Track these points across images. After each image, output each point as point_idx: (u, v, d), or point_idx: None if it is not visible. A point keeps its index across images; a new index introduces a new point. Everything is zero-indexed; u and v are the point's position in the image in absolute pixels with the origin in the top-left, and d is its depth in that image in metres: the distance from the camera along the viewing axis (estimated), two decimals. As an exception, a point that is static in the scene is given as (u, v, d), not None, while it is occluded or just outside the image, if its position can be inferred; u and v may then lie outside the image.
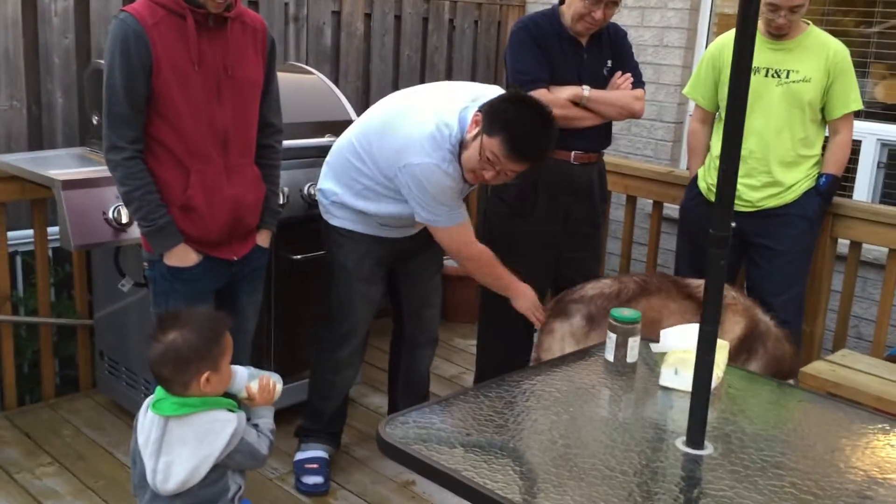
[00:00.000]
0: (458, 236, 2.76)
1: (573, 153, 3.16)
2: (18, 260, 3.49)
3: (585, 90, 3.10)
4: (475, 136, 2.57)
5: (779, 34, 3.17)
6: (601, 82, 3.17)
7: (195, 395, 1.98)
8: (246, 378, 2.12)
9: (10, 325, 3.33)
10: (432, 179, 2.61)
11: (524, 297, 2.92)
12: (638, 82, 3.22)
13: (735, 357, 2.63)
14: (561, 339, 2.78)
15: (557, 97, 3.08)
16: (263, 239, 2.65)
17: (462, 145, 2.62)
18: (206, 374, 1.97)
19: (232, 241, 2.54)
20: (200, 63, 2.36)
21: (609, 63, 3.19)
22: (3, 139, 3.43)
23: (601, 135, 3.25)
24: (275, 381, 2.17)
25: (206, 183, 2.43)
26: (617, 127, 5.05)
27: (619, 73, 3.19)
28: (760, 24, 3.24)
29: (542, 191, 3.17)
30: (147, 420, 2.02)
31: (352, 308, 2.94)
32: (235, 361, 2.72)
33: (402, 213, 2.77)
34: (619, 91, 3.17)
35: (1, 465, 3.01)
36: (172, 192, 2.41)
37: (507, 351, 3.36)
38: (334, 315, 2.97)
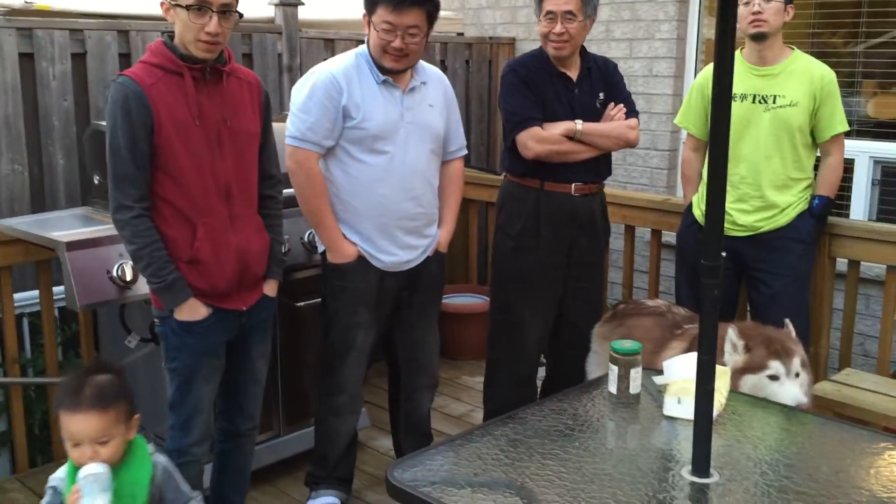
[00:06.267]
0: (293, 157, 2.83)
1: (573, 185, 3.22)
2: (25, 322, 3.52)
3: (578, 124, 3.15)
4: (368, 28, 2.81)
5: (759, 32, 3.17)
6: (594, 115, 3.22)
7: None
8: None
9: (20, 387, 3.35)
10: (306, 79, 2.85)
11: (338, 255, 2.90)
12: (631, 112, 3.27)
13: None
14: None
15: (551, 133, 3.14)
16: (270, 288, 2.68)
17: (370, 49, 2.84)
18: None
19: (240, 291, 2.57)
20: (200, 116, 2.41)
21: (601, 96, 3.25)
22: (6, 202, 3.49)
23: (601, 166, 3.30)
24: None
25: (213, 235, 2.46)
26: (612, 157, 5.11)
27: (612, 104, 3.24)
28: (743, 52, 3.30)
29: (545, 224, 3.22)
30: None
31: (346, 356, 2.97)
32: (248, 410, 2.76)
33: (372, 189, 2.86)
34: (613, 122, 3.22)
35: (15, 528, 3.02)
36: (180, 248, 2.44)
37: (516, 387, 3.38)
38: (329, 363, 3.00)
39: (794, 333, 2.59)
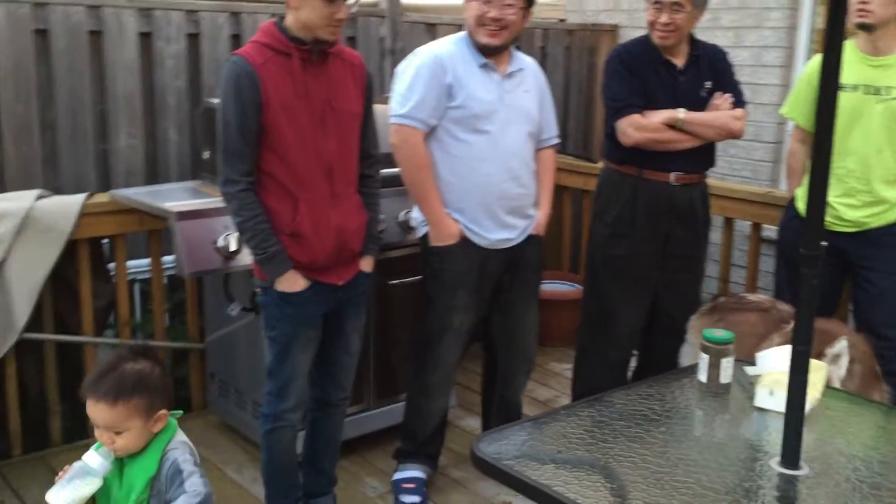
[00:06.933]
0: (398, 134, 2.88)
1: (673, 174, 3.17)
2: (136, 287, 3.72)
3: (681, 112, 3.11)
4: (467, 5, 2.88)
5: (863, 23, 3.05)
6: (699, 104, 3.17)
7: None
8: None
9: (129, 348, 3.55)
10: (410, 59, 2.92)
11: (441, 233, 2.93)
12: (739, 102, 3.21)
13: None
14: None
15: (651, 121, 3.11)
16: (367, 265, 2.75)
17: (468, 27, 2.90)
18: None
19: (337, 267, 2.65)
20: (306, 97, 2.50)
21: (708, 85, 3.20)
22: (123, 175, 3.68)
23: (703, 156, 3.24)
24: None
25: (314, 211, 2.55)
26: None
27: (719, 93, 3.18)
28: (858, 42, 3.18)
29: (642, 212, 3.19)
30: None
31: (442, 337, 3.02)
32: (340, 380, 2.82)
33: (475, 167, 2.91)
34: (717, 112, 3.16)
35: (121, 480, 3.20)
36: (282, 221, 2.54)
37: (606, 374, 3.36)
38: (425, 342, 3.06)
39: (835, 352, 2.53)
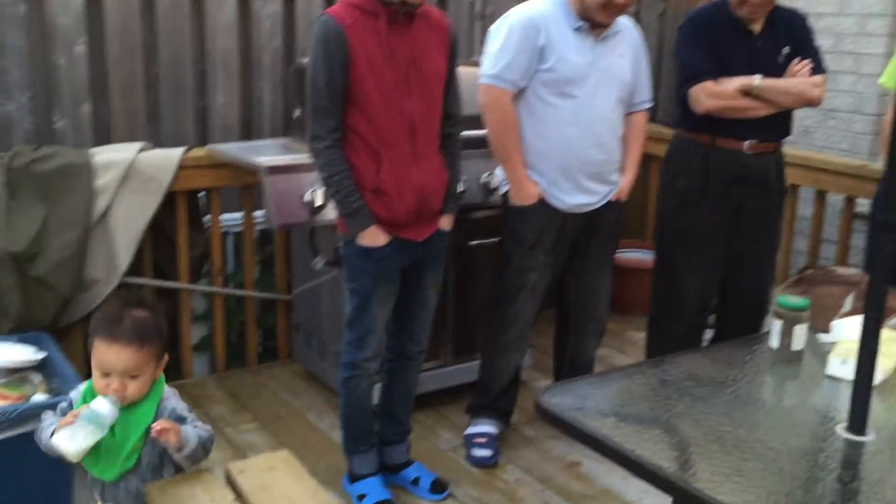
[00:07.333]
0: (488, 94, 2.94)
1: (746, 143, 3.10)
2: (230, 239, 3.90)
3: (756, 79, 3.02)
4: None
5: None
6: (776, 71, 3.08)
7: None
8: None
9: (223, 297, 3.73)
10: (503, 20, 2.94)
11: (520, 194, 3.00)
12: (818, 68, 3.11)
13: None
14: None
15: (725, 88, 3.04)
16: (446, 223, 2.82)
17: (583, 5, 2.87)
18: None
19: (418, 223, 2.72)
20: (391, 57, 2.57)
21: (786, 50, 3.10)
22: (219, 130, 3.84)
23: (778, 124, 3.16)
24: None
25: (396, 168, 2.63)
26: (812, 119, 4.84)
27: (798, 59, 3.09)
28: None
29: (713, 181, 3.14)
30: None
31: (517, 295, 3.07)
32: (417, 334, 2.91)
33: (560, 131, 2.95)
34: (795, 78, 3.07)
35: (211, 419, 3.39)
36: (366, 177, 2.62)
37: (676, 347, 3.34)
38: (501, 300, 3.12)
39: (892, 324, 2.44)
